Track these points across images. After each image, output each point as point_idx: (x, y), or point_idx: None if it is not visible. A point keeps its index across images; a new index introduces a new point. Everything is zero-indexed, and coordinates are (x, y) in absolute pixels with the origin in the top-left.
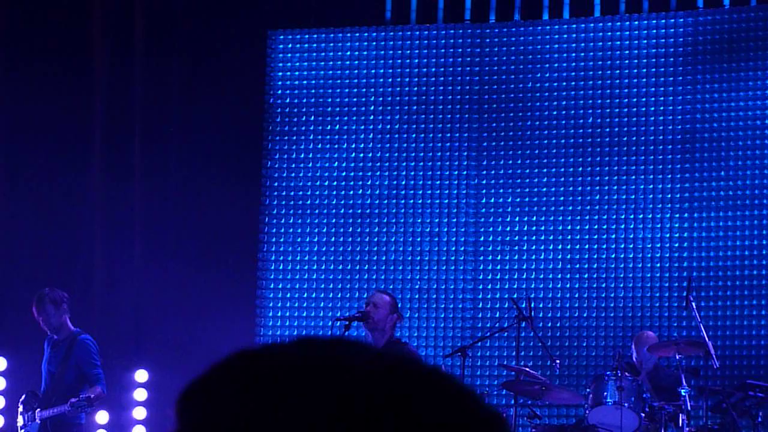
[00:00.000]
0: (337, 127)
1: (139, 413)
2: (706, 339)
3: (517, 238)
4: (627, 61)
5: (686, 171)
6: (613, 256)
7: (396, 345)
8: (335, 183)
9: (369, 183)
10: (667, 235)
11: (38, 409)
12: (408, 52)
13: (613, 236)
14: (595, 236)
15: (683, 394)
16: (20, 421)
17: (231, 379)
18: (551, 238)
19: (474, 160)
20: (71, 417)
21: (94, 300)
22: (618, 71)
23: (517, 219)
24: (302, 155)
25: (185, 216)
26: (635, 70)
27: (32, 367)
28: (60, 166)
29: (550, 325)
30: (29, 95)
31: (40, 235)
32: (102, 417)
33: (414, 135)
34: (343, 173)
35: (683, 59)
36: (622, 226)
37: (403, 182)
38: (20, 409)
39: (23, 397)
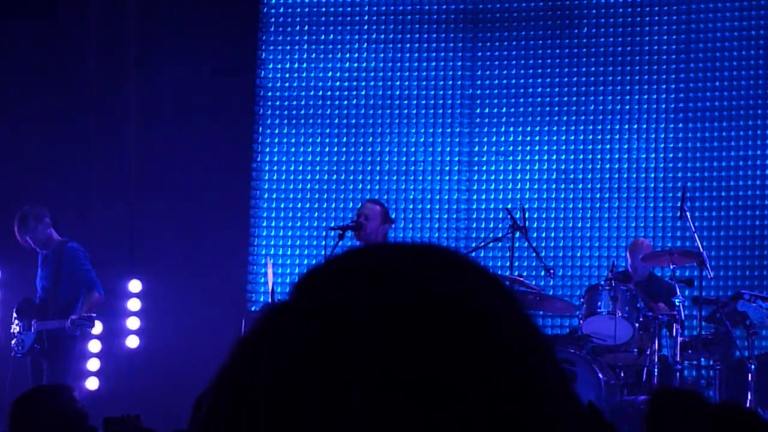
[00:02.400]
0: (331, 36)
1: (133, 323)
2: (701, 249)
3: (511, 148)
4: None
5: (680, 81)
6: (607, 166)
7: None
8: (329, 93)
9: (363, 93)
10: (662, 146)
11: (34, 320)
12: None
13: (608, 146)
14: (590, 146)
15: (677, 303)
16: (15, 328)
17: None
18: (545, 148)
19: (468, 70)
20: (68, 330)
21: (89, 211)
22: None
23: (511, 129)
24: (296, 65)
25: (178, 122)
26: None
27: (27, 278)
28: (57, 79)
29: (544, 235)
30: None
31: (34, 148)
32: (96, 327)
33: (408, 45)
34: (337, 83)
35: None
36: (617, 137)
37: (397, 92)
38: (14, 316)
39: (18, 304)
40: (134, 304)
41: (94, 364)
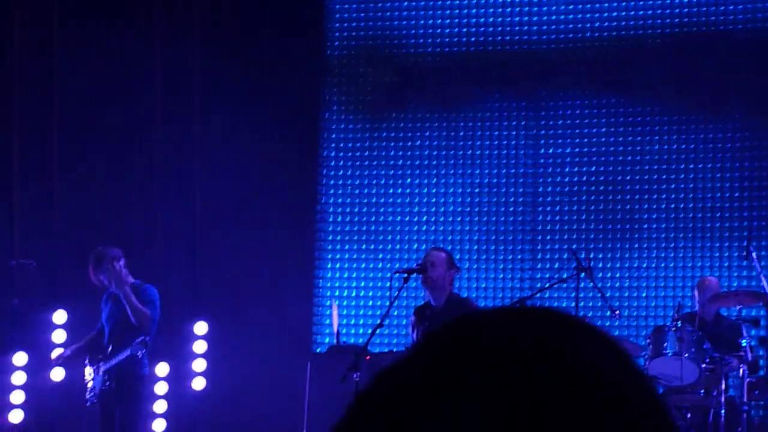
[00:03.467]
0: (396, 78)
1: (199, 365)
2: (767, 289)
3: (576, 188)
4: None
5: (747, 119)
6: (672, 206)
7: (457, 301)
8: (393, 134)
9: (427, 134)
10: (728, 185)
11: (101, 362)
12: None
13: (672, 186)
14: (654, 186)
15: (744, 344)
16: (88, 377)
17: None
18: (609, 188)
19: (532, 110)
20: (134, 368)
21: (153, 252)
22: None
23: (576, 170)
24: (360, 106)
25: (244, 166)
26: None
27: (92, 320)
28: (123, 121)
29: (609, 275)
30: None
31: (100, 188)
32: (162, 369)
33: (471, 86)
34: (401, 124)
35: None
36: (681, 176)
37: (461, 133)
38: (86, 363)
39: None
40: (200, 347)
41: (161, 406)
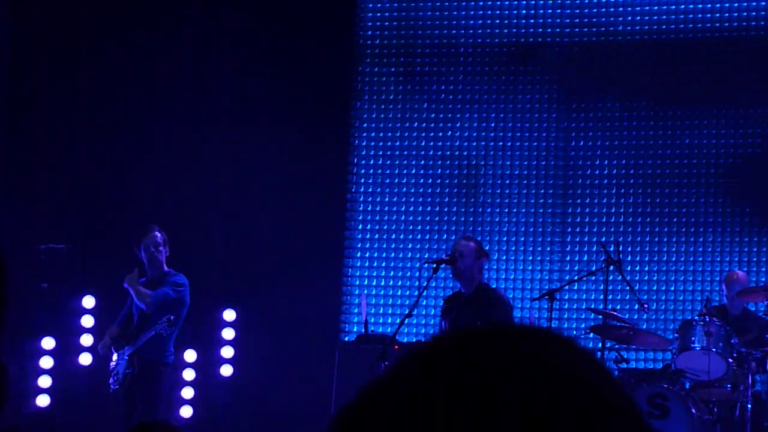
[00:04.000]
0: (427, 68)
1: (227, 352)
2: None
3: (606, 181)
4: None
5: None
6: (702, 200)
7: (486, 290)
8: (423, 125)
9: (458, 125)
10: (757, 179)
11: (126, 346)
12: None
13: (703, 180)
14: (685, 180)
15: None
16: (114, 358)
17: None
18: (640, 181)
19: (564, 102)
20: (159, 356)
21: (183, 239)
22: None
23: (606, 162)
24: (391, 96)
25: (275, 154)
26: None
27: (121, 306)
28: (151, 105)
29: (638, 269)
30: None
31: (129, 172)
32: (190, 355)
33: (504, 77)
34: (432, 114)
35: None
36: (713, 171)
37: (492, 124)
38: (112, 349)
39: (114, 338)
40: (228, 333)
41: (188, 393)
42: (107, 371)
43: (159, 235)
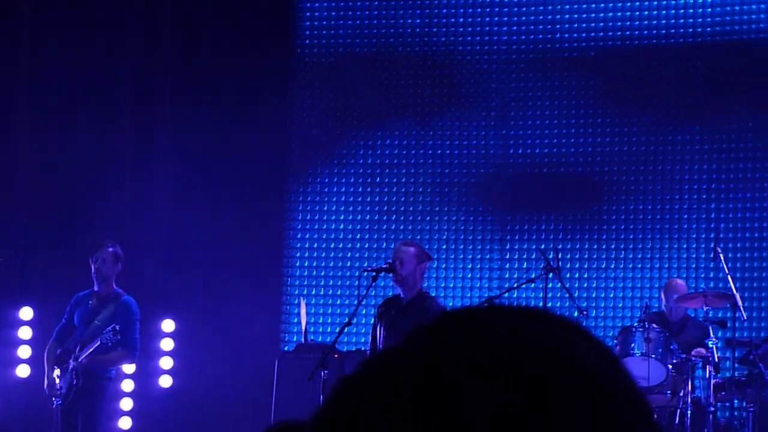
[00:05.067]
0: (363, 74)
1: (166, 362)
2: (734, 290)
3: (545, 188)
4: None
5: (710, 122)
6: (641, 207)
7: (425, 297)
8: (362, 132)
9: (396, 133)
10: (695, 186)
11: (71, 360)
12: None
13: (641, 188)
14: (623, 187)
15: (710, 345)
16: (55, 376)
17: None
18: (579, 189)
19: (501, 110)
20: (102, 372)
21: (122, 249)
22: None
23: (545, 170)
24: (330, 103)
25: (212, 165)
26: None
27: (59, 318)
28: (94, 122)
29: (577, 276)
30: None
31: (68, 185)
32: (129, 366)
33: (438, 89)
34: (364, 122)
35: None
36: (650, 177)
37: (431, 132)
38: (54, 367)
39: (56, 353)
40: (167, 344)
41: (127, 404)
42: (49, 385)
43: (112, 250)
